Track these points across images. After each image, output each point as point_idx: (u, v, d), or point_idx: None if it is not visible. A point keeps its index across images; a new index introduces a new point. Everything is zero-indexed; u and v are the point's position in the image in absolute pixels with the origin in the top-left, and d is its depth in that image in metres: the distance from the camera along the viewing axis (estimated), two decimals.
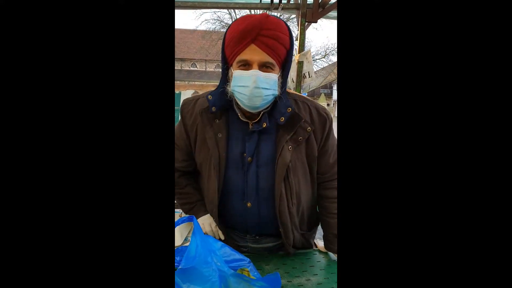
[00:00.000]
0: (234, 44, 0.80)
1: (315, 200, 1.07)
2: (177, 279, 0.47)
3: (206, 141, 0.90)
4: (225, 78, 0.86)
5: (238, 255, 0.56)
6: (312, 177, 0.98)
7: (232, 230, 1.03)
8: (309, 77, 1.97)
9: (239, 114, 0.89)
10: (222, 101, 0.87)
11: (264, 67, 0.80)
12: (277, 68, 0.82)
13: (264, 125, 0.87)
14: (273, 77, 0.81)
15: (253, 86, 0.78)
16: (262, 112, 0.87)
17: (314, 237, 1.18)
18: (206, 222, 1.01)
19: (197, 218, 1.01)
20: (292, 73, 1.99)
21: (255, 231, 1.01)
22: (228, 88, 0.85)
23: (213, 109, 0.88)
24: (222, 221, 0.99)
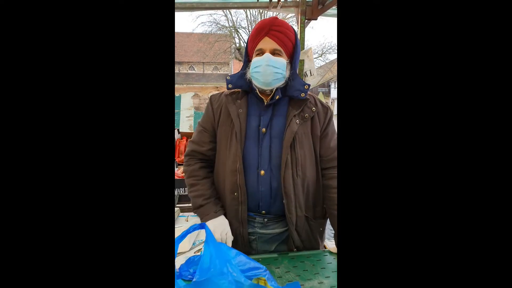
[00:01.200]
0: (253, 39, 1.03)
1: (320, 185, 1.11)
2: None
3: (230, 115, 1.06)
4: (246, 66, 1.06)
5: (253, 263, 0.54)
6: (316, 158, 1.09)
7: (245, 207, 1.05)
8: (311, 75, 1.95)
9: (256, 93, 1.07)
10: (240, 82, 1.07)
11: (274, 53, 1.01)
12: (285, 55, 1.03)
13: (277, 97, 1.04)
14: (282, 60, 1.01)
15: (265, 64, 0.98)
16: (275, 88, 1.04)
17: (322, 236, 1.17)
18: (218, 229, 1.03)
19: (208, 215, 1.05)
20: None
21: (265, 205, 1.06)
22: (248, 74, 1.04)
23: (230, 86, 1.07)
24: (239, 193, 1.04)
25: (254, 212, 1.09)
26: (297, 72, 1.11)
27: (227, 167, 1.06)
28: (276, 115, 1.06)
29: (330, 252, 1.11)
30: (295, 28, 2.13)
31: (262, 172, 1.04)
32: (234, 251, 0.53)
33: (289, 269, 1.00)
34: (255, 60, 1.01)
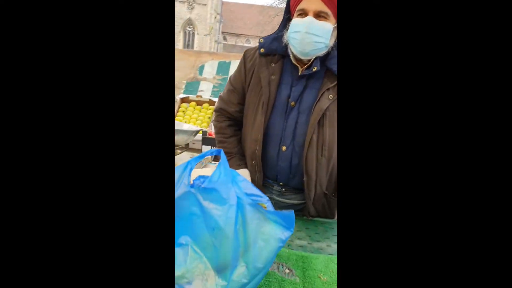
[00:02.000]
0: None
1: None
2: (198, 195, 0.51)
3: (260, 81, 0.97)
4: (284, 27, 0.93)
5: (258, 192, 0.58)
6: None
7: (264, 177, 1.06)
8: None
9: (292, 60, 0.95)
10: (274, 45, 0.95)
11: (319, 16, 0.85)
12: (333, 19, 0.87)
13: (315, 69, 0.91)
14: (327, 26, 0.86)
15: (305, 31, 0.84)
16: (314, 58, 0.91)
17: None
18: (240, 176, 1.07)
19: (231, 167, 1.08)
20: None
21: (283, 178, 1.03)
22: (285, 35, 0.92)
23: (262, 50, 0.96)
24: (256, 163, 1.03)
25: (272, 181, 1.06)
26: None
27: (250, 134, 1.03)
28: (308, 87, 0.95)
29: None
30: None
31: (284, 147, 0.97)
32: (243, 178, 0.58)
33: (301, 229, 1.03)
34: (295, 22, 0.87)
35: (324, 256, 0.80)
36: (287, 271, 0.73)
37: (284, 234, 0.55)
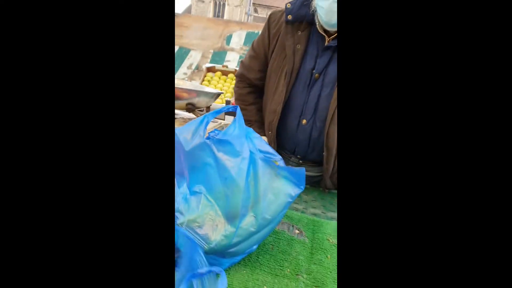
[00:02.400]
0: None
1: None
2: (213, 146, 0.53)
3: (285, 49, 0.93)
4: None
5: (271, 150, 0.59)
6: None
7: (282, 148, 1.06)
8: None
9: (319, 29, 0.91)
10: (303, 11, 0.90)
11: None
12: None
13: None
14: None
15: (332, 0, 0.80)
16: None
17: None
18: None
19: None
20: None
21: (302, 151, 1.02)
22: (313, 2, 0.88)
23: (289, 17, 0.90)
24: (276, 135, 1.02)
25: (290, 153, 1.05)
26: None
27: (269, 105, 1.00)
28: (334, 60, 0.90)
29: None
30: None
31: (304, 121, 0.94)
32: (259, 136, 0.59)
33: (316, 199, 1.04)
34: None
35: (335, 222, 0.81)
36: (297, 231, 0.75)
37: (294, 190, 0.56)
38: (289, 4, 0.92)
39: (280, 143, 1.05)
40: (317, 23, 0.90)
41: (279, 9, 1.00)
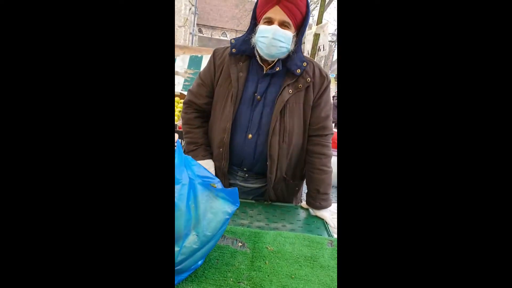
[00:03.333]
0: (263, 5, 1.02)
1: (303, 153, 1.18)
2: None
3: (230, 76, 1.10)
4: (252, 31, 1.08)
5: (211, 175, 0.67)
6: (304, 126, 1.14)
7: (229, 164, 1.16)
8: (323, 50, 1.98)
9: (258, 60, 1.09)
10: (244, 47, 1.09)
11: (283, 25, 1.01)
12: (293, 28, 1.04)
13: (277, 69, 1.07)
14: (289, 34, 1.02)
15: (272, 37, 1.00)
16: (277, 59, 1.07)
17: (296, 194, 1.29)
18: (205, 166, 1.15)
19: (196, 158, 1.15)
20: (308, 46, 2.00)
21: (248, 163, 1.16)
22: (253, 39, 1.06)
23: (233, 50, 1.09)
24: (223, 150, 1.13)
25: (237, 167, 1.18)
26: (306, 49, 1.10)
27: (218, 124, 1.13)
28: (272, 84, 1.09)
29: (301, 207, 1.24)
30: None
31: (250, 135, 1.10)
32: (196, 162, 0.67)
33: (261, 213, 1.14)
34: (262, 28, 1.01)
35: (274, 232, 0.92)
36: (239, 244, 0.83)
37: (230, 207, 0.65)
38: (233, 40, 1.12)
39: (229, 156, 1.16)
40: (257, 56, 1.08)
41: (222, 46, 1.20)
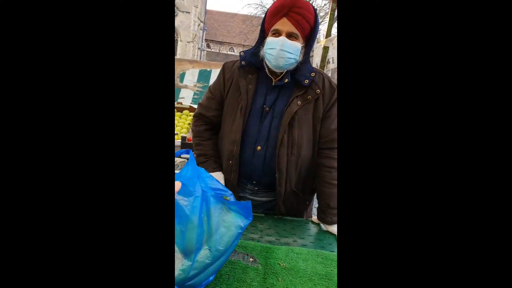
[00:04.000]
0: (270, 16, 1.03)
1: (314, 166, 1.17)
2: None
3: (239, 89, 1.10)
4: (260, 44, 1.09)
5: (223, 188, 0.66)
6: (314, 139, 1.12)
7: (238, 176, 1.16)
8: (333, 63, 1.99)
9: (267, 72, 1.10)
10: (253, 59, 1.10)
11: (291, 36, 1.02)
12: (301, 39, 1.04)
13: (286, 81, 1.07)
14: (297, 45, 1.02)
15: (279, 48, 1.00)
16: (285, 71, 1.07)
17: (307, 208, 1.26)
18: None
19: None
20: (317, 59, 2.02)
21: (257, 176, 1.15)
22: (261, 51, 1.07)
23: (243, 63, 1.10)
24: (233, 162, 1.13)
25: (246, 180, 1.17)
26: (315, 61, 1.11)
27: (228, 136, 1.13)
28: (281, 96, 1.09)
29: (312, 222, 1.21)
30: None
31: (259, 147, 1.10)
32: (209, 174, 0.67)
33: (270, 227, 1.12)
34: (270, 40, 1.02)
35: (286, 247, 0.90)
36: (251, 259, 0.81)
37: (243, 222, 0.63)
38: (242, 52, 1.13)
39: (238, 168, 1.15)
40: (266, 68, 1.09)
41: (231, 60, 1.22)
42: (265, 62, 1.07)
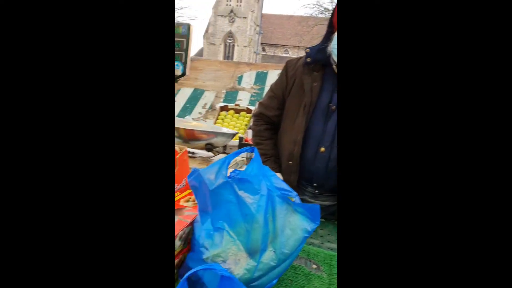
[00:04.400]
0: None
1: None
2: (234, 185, 0.58)
3: (303, 87, 1.06)
4: (328, 39, 1.04)
5: (288, 188, 0.63)
6: None
7: (298, 178, 1.11)
8: None
9: (334, 69, 1.04)
10: (319, 56, 1.05)
11: None
12: None
13: None
14: None
15: None
16: None
17: None
18: None
19: None
20: None
21: (319, 179, 1.09)
22: (328, 47, 1.03)
23: (308, 59, 1.06)
24: (293, 163, 1.09)
25: (307, 182, 1.12)
26: None
27: (288, 135, 1.09)
28: None
29: None
30: None
31: (323, 149, 1.04)
32: (273, 173, 0.64)
33: (331, 233, 1.06)
34: None
35: None
36: (314, 266, 0.76)
37: (310, 225, 0.59)
38: (307, 49, 1.09)
39: (298, 170, 1.10)
40: (333, 64, 1.03)
41: (294, 57, 1.19)
42: (333, 58, 1.02)
